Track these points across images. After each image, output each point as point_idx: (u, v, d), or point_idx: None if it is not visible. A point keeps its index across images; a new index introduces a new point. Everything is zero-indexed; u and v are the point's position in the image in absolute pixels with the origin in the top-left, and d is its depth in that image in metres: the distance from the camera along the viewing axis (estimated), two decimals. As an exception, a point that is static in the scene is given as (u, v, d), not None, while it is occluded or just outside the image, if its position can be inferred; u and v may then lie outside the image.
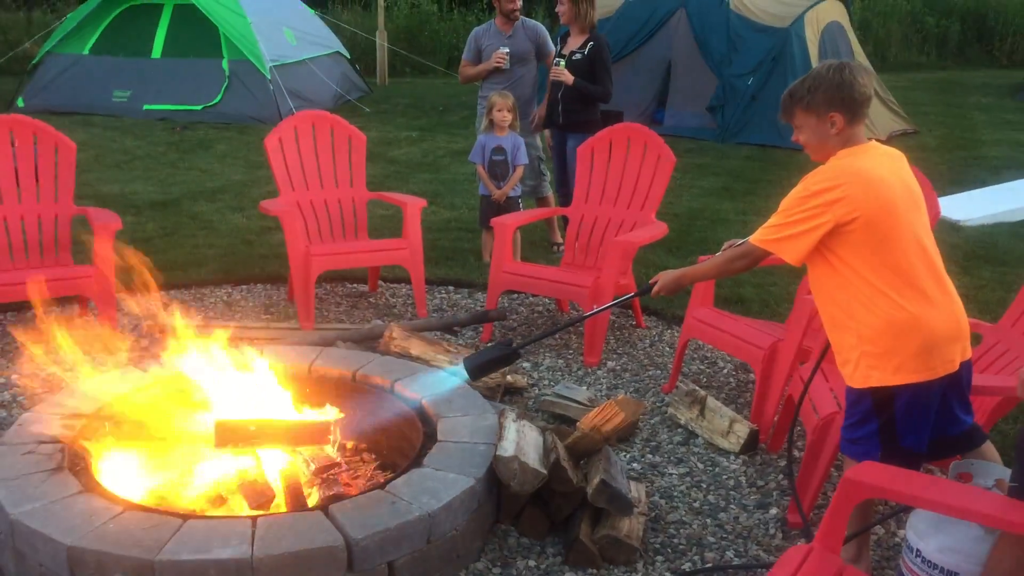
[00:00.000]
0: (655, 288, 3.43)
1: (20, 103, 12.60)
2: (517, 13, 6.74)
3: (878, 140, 10.45)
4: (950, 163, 10.68)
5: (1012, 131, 12.50)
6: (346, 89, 14.37)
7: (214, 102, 12.71)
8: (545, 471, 3.32)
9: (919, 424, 2.93)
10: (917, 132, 12.43)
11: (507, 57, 6.63)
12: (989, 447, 3.08)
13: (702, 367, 5.05)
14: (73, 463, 3.33)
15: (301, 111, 6.13)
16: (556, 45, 6.63)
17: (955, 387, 2.96)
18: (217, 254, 6.79)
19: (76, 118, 12.17)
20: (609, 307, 4.18)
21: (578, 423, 3.63)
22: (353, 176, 5.93)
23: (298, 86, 12.96)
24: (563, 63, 6.34)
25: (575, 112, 6.40)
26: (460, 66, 7.09)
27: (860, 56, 12.58)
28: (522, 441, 3.44)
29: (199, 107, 12.70)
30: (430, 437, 3.62)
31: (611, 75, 6.45)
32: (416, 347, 4.52)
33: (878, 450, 2.96)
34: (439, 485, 3.23)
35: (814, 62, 11.23)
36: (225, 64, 12.69)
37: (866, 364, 2.91)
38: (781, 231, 2.94)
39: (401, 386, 3.98)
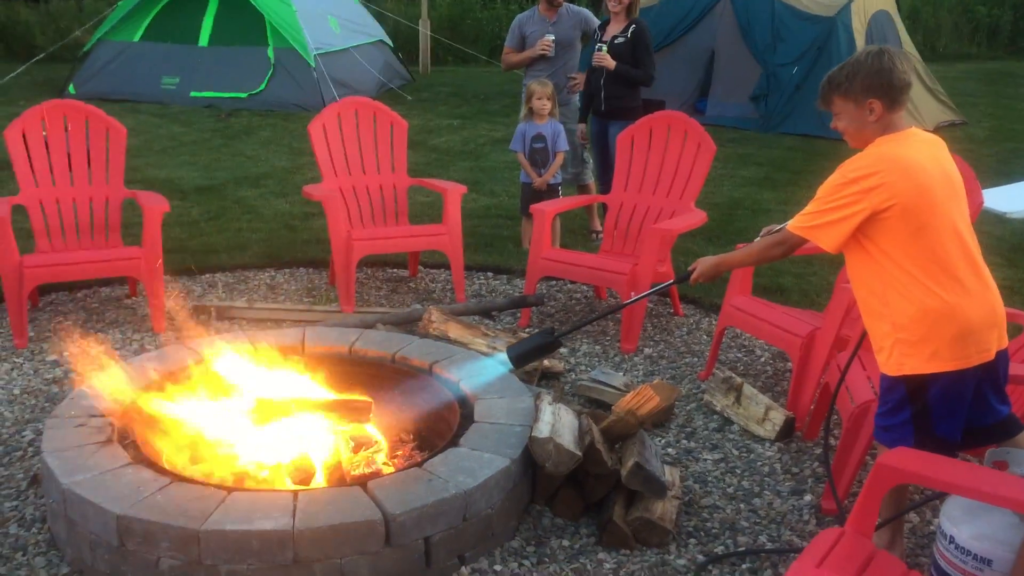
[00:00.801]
0: (694, 275, 3.46)
1: (72, 90, 12.85)
2: (560, 1, 6.76)
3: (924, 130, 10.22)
4: (998, 155, 10.52)
5: (1059, 122, 12.30)
6: (389, 77, 14.47)
7: (259, 90, 12.86)
8: (580, 453, 3.36)
9: (953, 412, 2.93)
10: (966, 123, 12.26)
11: (552, 45, 6.64)
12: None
13: (739, 355, 5.05)
14: (122, 436, 3.44)
15: (345, 98, 6.20)
16: (596, 33, 6.62)
17: (990, 376, 2.95)
18: (260, 238, 6.91)
19: (125, 105, 12.38)
20: (649, 294, 4.19)
21: (613, 407, 3.67)
22: (395, 162, 6.01)
23: (342, 74, 13.07)
24: (604, 48, 6.34)
25: (617, 99, 6.40)
26: (503, 53, 7.11)
27: (908, 46, 12.42)
28: (558, 423, 3.49)
29: (244, 95, 12.86)
30: (467, 418, 3.68)
31: (653, 58, 6.43)
32: (454, 330, 4.58)
33: (912, 438, 2.96)
34: (475, 464, 3.28)
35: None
36: (271, 52, 12.84)
37: (900, 352, 2.92)
38: (818, 218, 2.95)
39: (439, 368, 4.04)
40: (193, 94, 12.98)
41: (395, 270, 6.27)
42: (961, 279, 2.86)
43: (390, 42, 15.34)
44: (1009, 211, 7.86)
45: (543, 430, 3.40)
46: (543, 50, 6.65)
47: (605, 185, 6.80)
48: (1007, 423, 3.04)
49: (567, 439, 3.41)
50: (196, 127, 11.65)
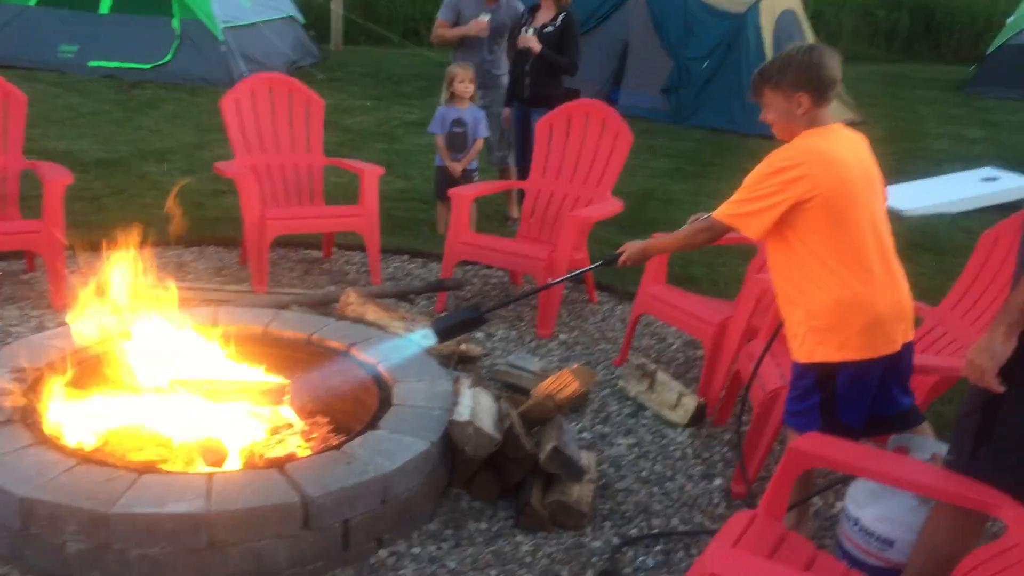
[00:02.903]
0: (622, 258, 3.51)
1: (-39, 54, 12.24)
2: None
3: None
4: (895, 154, 10.90)
5: (956, 125, 12.80)
6: (300, 55, 14.18)
7: (163, 61, 12.45)
8: (499, 436, 3.38)
9: (858, 401, 3.04)
10: (864, 122, 12.65)
11: (487, 26, 6.57)
12: (926, 427, 3.21)
13: (652, 342, 5.14)
14: (24, 416, 3.31)
15: (259, 73, 6.07)
16: (524, 16, 6.60)
17: (895, 368, 3.07)
18: (167, 215, 6.69)
19: (20, 72, 11.81)
20: (578, 274, 4.20)
21: (532, 391, 3.69)
22: (310, 141, 5.91)
23: (251, 49, 12.75)
24: (532, 31, 6.33)
25: (541, 86, 6.41)
26: (435, 26, 6.96)
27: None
28: (477, 407, 3.50)
29: (148, 66, 12.43)
30: (385, 401, 3.65)
31: (580, 49, 6.46)
32: (372, 313, 4.54)
33: (818, 423, 3.06)
34: (394, 447, 3.27)
35: (768, 49, 11.39)
36: (176, 23, 12.42)
37: (812, 340, 3.01)
38: (743, 206, 3.02)
39: (357, 350, 4.00)
40: (92, 63, 12.48)
41: (308, 251, 6.17)
42: (874, 272, 2.97)
43: (301, 18, 15.03)
44: (905, 208, 8.17)
45: (463, 413, 3.41)
46: (477, 31, 6.58)
47: (524, 171, 6.80)
48: (908, 414, 3.18)
49: (486, 423, 3.42)
50: (95, 98, 11.22)
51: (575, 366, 3.61)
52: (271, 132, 5.79)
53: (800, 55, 3.05)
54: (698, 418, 4.18)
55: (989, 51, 15.47)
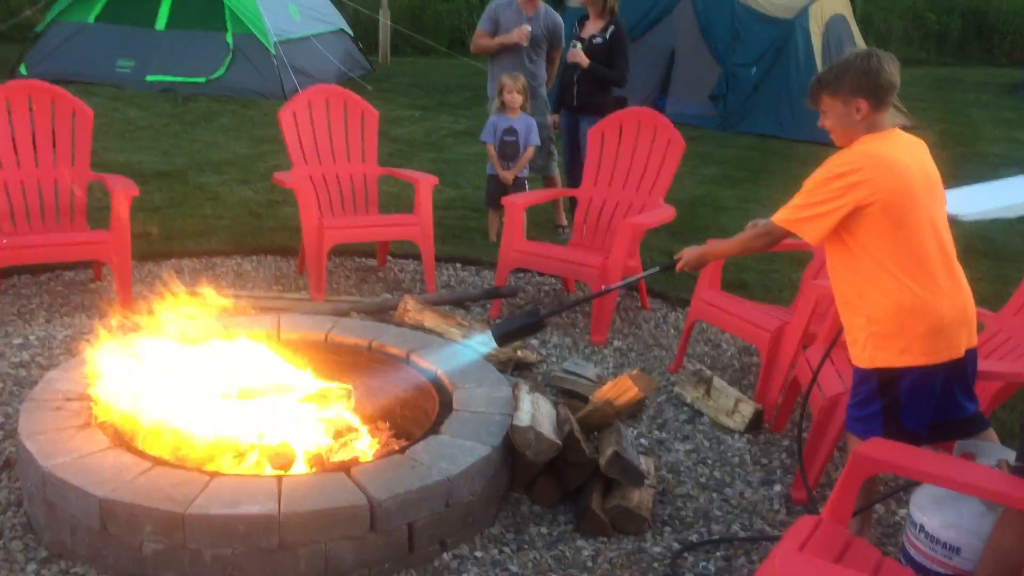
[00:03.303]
0: (679, 264, 3.54)
1: (23, 71, 12.55)
2: None
3: None
4: (948, 159, 10.74)
5: (1010, 129, 12.62)
6: (349, 66, 14.36)
7: (217, 75, 12.70)
8: (559, 441, 3.42)
9: (921, 406, 3.03)
10: (917, 127, 12.52)
11: (529, 34, 6.62)
12: (991, 433, 3.19)
13: (706, 349, 5.15)
14: (100, 420, 3.41)
15: (315, 85, 6.18)
16: (574, 27, 6.65)
17: (959, 374, 3.06)
18: (226, 225, 6.85)
19: (79, 87, 12.08)
20: (635, 280, 4.20)
21: (591, 396, 3.73)
22: (365, 151, 6.00)
23: (302, 62, 12.96)
24: (580, 46, 6.39)
25: (589, 95, 6.46)
26: (475, 35, 7.04)
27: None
28: (537, 412, 3.54)
29: (202, 79, 12.68)
30: (445, 406, 3.71)
31: (628, 61, 6.50)
32: (430, 319, 4.61)
33: (881, 429, 3.06)
34: (457, 452, 3.32)
35: (817, 54, 11.33)
36: (229, 37, 12.67)
37: (873, 345, 3.01)
38: (802, 211, 3.04)
39: (416, 356, 4.06)
40: (149, 78, 12.76)
41: (363, 259, 6.27)
42: (936, 276, 2.97)
43: (350, 31, 15.24)
44: (960, 213, 8.07)
45: (523, 419, 3.45)
46: (519, 39, 6.64)
47: (572, 179, 6.86)
48: (973, 420, 3.16)
49: (546, 428, 3.46)
50: (153, 111, 11.48)
51: (634, 372, 3.64)
52: (327, 143, 5.89)
53: (858, 61, 3.06)
54: (755, 424, 4.19)
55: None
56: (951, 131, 12.69)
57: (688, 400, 4.41)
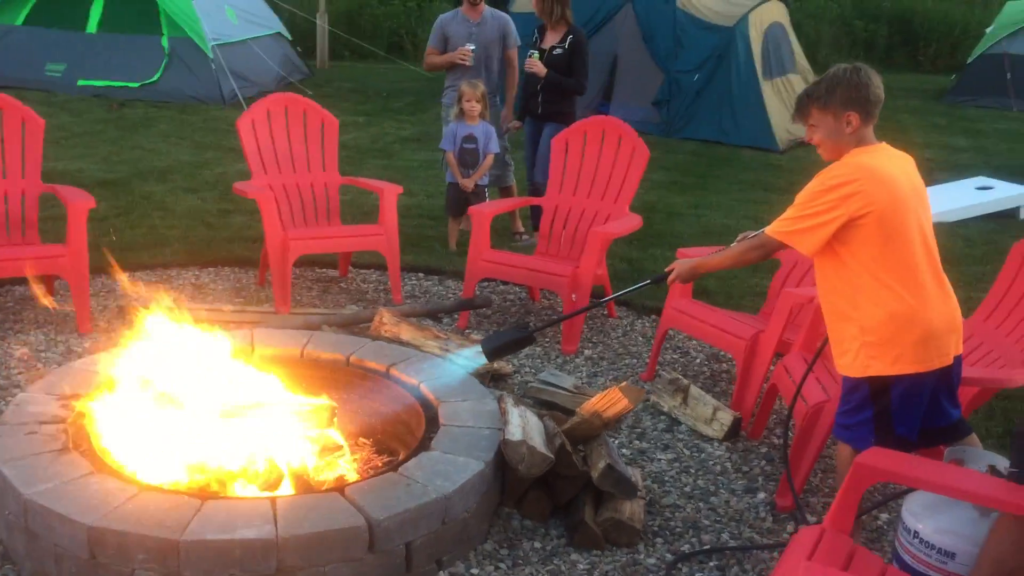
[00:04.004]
0: (671, 276, 3.56)
1: (-51, 75, 12.13)
2: None
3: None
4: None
5: (941, 135, 12.98)
6: (288, 71, 14.16)
7: (153, 80, 12.42)
8: (552, 455, 3.40)
9: (912, 413, 3.10)
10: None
11: (471, 55, 6.62)
12: (974, 439, 3.27)
13: (675, 356, 5.19)
14: (76, 443, 3.30)
15: (274, 94, 6.07)
16: (534, 36, 6.65)
17: (945, 380, 3.13)
18: (178, 235, 6.69)
19: (7, 92, 11.72)
20: (628, 292, 4.18)
21: (579, 408, 3.72)
22: (325, 160, 5.92)
23: (240, 66, 12.75)
24: (536, 55, 6.40)
25: (554, 103, 6.47)
26: (426, 53, 7.03)
27: (800, 57, 12.93)
28: (526, 426, 3.52)
29: (137, 84, 12.39)
30: (431, 422, 3.67)
31: (587, 70, 6.53)
32: (406, 332, 4.55)
33: (872, 436, 3.12)
34: (451, 468, 3.28)
35: (757, 61, 11.53)
36: (165, 41, 12.40)
37: (866, 354, 3.07)
38: (797, 223, 3.08)
39: (397, 371, 4.01)
40: (81, 82, 12.43)
41: (324, 270, 6.17)
42: (926, 286, 3.03)
43: (288, 35, 15.03)
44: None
45: (515, 433, 3.43)
46: (460, 59, 6.62)
47: (533, 186, 6.87)
48: (958, 426, 3.24)
49: (537, 441, 3.44)
50: (87, 117, 11.18)
51: (623, 384, 3.63)
52: (287, 152, 5.79)
53: (848, 74, 3.12)
54: (734, 432, 4.23)
55: (969, 60, 15.71)
56: (885, 137, 12.85)
57: (665, 409, 4.44)
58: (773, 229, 3.17)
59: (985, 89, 15.13)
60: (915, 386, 3.05)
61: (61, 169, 8.51)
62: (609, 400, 3.60)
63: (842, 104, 3.07)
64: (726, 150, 11.13)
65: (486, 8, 6.83)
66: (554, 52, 6.42)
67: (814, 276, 4.57)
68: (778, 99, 11.80)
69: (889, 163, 3.10)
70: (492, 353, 3.84)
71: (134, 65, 12.42)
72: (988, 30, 15.63)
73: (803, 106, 3.15)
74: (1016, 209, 8.78)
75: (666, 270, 3.61)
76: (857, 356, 3.08)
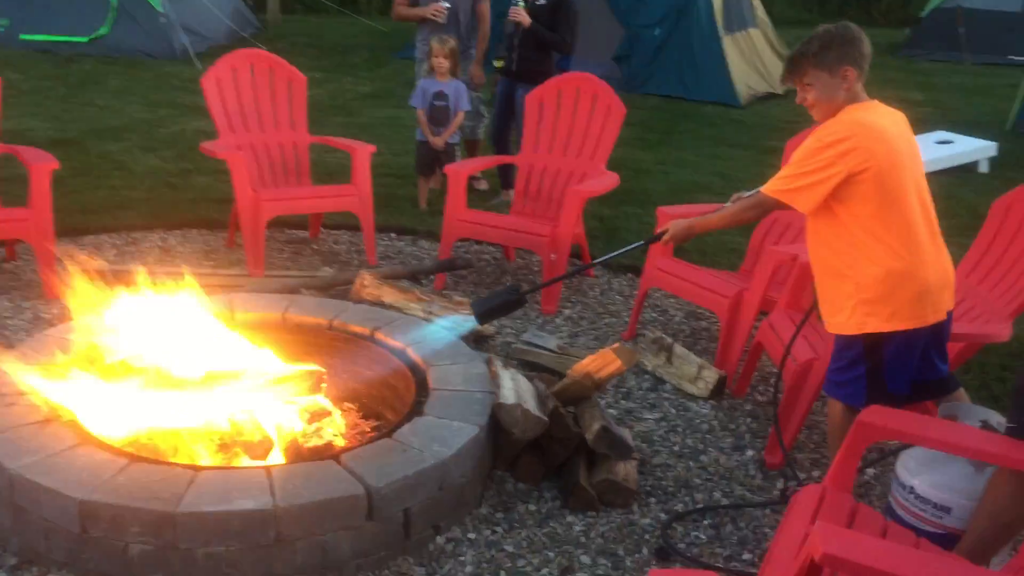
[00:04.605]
0: (665, 237, 3.53)
1: None
2: None
3: (775, 94, 10.53)
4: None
5: (896, 89, 12.92)
6: (240, 25, 13.82)
7: (100, 33, 12.03)
8: (546, 418, 3.38)
9: (904, 369, 3.12)
10: (810, 88, 12.86)
11: (445, 12, 6.47)
12: (962, 393, 3.32)
13: (655, 315, 5.18)
14: (60, 414, 3.20)
15: (238, 50, 5.88)
16: None
17: (936, 336, 3.16)
18: (141, 197, 6.51)
19: (-54, 47, 11.34)
20: (622, 253, 4.10)
21: (570, 370, 3.70)
22: (294, 119, 5.77)
23: (191, 20, 12.42)
24: (522, 5, 6.25)
25: (530, 60, 6.36)
26: (394, 2, 6.87)
27: (760, 11, 12.92)
28: (519, 389, 3.49)
29: (84, 39, 12.00)
30: (420, 386, 3.62)
31: (572, 27, 6.39)
32: (388, 295, 4.49)
33: (864, 392, 3.14)
34: (446, 433, 3.25)
35: (718, 16, 11.48)
36: (112, -7, 12.01)
37: (862, 311, 3.07)
38: (794, 181, 3.06)
39: (382, 334, 3.95)
40: (24, 36, 12.01)
41: (294, 231, 6.05)
42: (921, 242, 3.04)
43: (239, -13, 14.65)
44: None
45: (508, 396, 3.40)
46: (433, 15, 6.48)
47: (499, 144, 6.78)
48: (947, 381, 3.28)
49: (531, 404, 3.42)
50: (33, 73, 10.80)
51: (616, 345, 3.61)
52: (254, 110, 5.64)
53: (839, 31, 3.11)
54: (719, 390, 4.24)
55: (923, 14, 15.81)
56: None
57: (649, 368, 4.44)
58: (770, 188, 3.15)
59: (938, 43, 15.27)
60: (908, 342, 3.07)
61: (11, 128, 8.12)
62: (602, 361, 3.58)
63: (838, 60, 3.05)
64: (688, 105, 11.10)
65: None
66: (537, 3, 6.28)
67: (793, 233, 4.68)
68: (739, 54, 11.79)
69: (884, 119, 3.08)
70: (483, 316, 3.80)
71: (80, 19, 12.03)
72: (942, -16, 15.74)
73: (797, 65, 3.11)
74: (975, 163, 8.90)
75: (658, 231, 3.58)
76: (852, 314, 3.09)
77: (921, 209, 3.06)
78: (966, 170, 8.75)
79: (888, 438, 3.04)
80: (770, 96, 11.76)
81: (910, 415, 2.84)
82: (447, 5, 6.49)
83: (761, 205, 3.24)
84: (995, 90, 12.90)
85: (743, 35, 12.06)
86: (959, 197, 7.58)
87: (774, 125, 10.42)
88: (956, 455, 2.83)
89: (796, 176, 3.06)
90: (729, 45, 11.54)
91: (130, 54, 11.78)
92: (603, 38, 12.01)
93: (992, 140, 9.04)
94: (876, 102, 3.15)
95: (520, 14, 6.21)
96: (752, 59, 12.09)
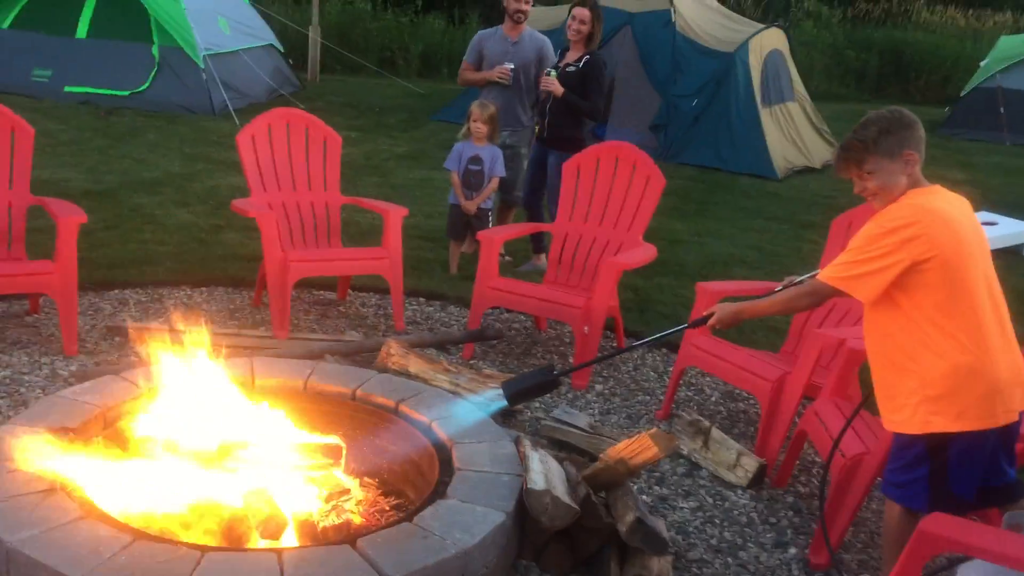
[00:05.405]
0: (711, 320, 3.35)
1: (-67, 79, 11.81)
2: (523, 15, 6.54)
3: (812, 168, 10.37)
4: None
5: (936, 167, 12.81)
6: (279, 83, 13.93)
7: (142, 88, 12.14)
8: (577, 507, 3.18)
9: (971, 472, 2.91)
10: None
11: (510, 74, 6.44)
12: (1029, 500, 3.08)
13: (690, 393, 4.98)
14: (66, 484, 3.04)
15: (276, 108, 5.83)
16: (557, 57, 6.48)
17: (1007, 437, 2.94)
18: (169, 252, 6.43)
19: (-8, 96, 11.47)
20: (666, 335, 3.94)
21: (603, 453, 3.50)
22: (327, 179, 5.69)
23: (231, 77, 12.51)
24: (554, 74, 6.20)
25: (561, 127, 6.27)
26: (461, 68, 6.89)
27: (798, 85, 12.84)
28: (548, 473, 3.30)
29: (126, 92, 12.10)
30: (445, 464, 3.43)
31: (603, 93, 6.34)
32: (415, 364, 4.32)
33: (926, 495, 2.94)
34: (470, 519, 3.05)
35: (756, 88, 11.41)
36: (155, 50, 12.13)
37: (926, 409, 2.87)
38: (854, 268, 2.88)
39: (407, 407, 3.78)
40: (68, 88, 12.12)
41: (322, 292, 5.93)
42: (990, 335, 2.85)
43: (280, 47, 14.81)
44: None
45: (537, 481, 3.20)
46: (499, 78, 6.45)
47: (531, 209, 6.67)
48: (1014, 486, 3.04)
49: (560, 490, 3.22)
50: (73, 124, 10.87)
51: (653, 430, 3.40)
52: (288, 169, 5.56)
53: (895, 116, 3.01)
54: (758, 479, 4.02)
55: (963, 93, 15.70)
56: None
57: (684, 452, 4.22)
58: (827, 275, 2.97)
59: (978, 122, 15.12)
60: (976, 443, 2.86)
61: (47, 178, 8.21)
62: (638, 447, 3.37)
63: (899, 144, 2.91)
64: (724, 176, 10.98)
65: (526, 28, 6.65)
66: (567, 70, 6.22)
67: (839, 314, 4.48)
68: (776, 127, 11.69)
69: (949, 205, 2.91)
70: (514, 397, 3.62)
71: (123, 73, 12.14)
72: (982, 63, 15.65)
73: (856, 152, 2.94)
74: (1020, 246, 8.67)
75: (705, 313, 3.40)
76: (916, 411, 2.88)
77: (990, 300, 2.87)
78: (1009, 253, 8.52)
79: (953, 551, 2.80)
80: (807, 170, 11.63)
81: (979, 527, 2.63)
82: (511, 66, 6.44)
83: (817, 293, 3.05)
84: (1035, 171, 12.73)
85: (781, 108, 11.97)
86: (1005, 281, 7.35)
87: (811, 200, 10.27)
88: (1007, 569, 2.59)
89: (856, 263, 2.88)
90: (767, 118, 11.45)
91: (170, 108, 11.85)
92: (640, 107, 11.99)
93: (1033, 222, 8.83)
94: (939, 187, 2.99)
95: (552, 84, 6.15)
96: (790, 133, 11.98)
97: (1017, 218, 9.09)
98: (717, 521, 3.76)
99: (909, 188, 2.92)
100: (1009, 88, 14.77)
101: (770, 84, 11.85)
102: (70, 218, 4.63)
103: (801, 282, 3.18)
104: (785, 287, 3.27)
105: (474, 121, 6.22)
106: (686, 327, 3.65)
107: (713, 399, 4.95)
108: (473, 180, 6.31)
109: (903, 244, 2.79)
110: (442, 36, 18.72)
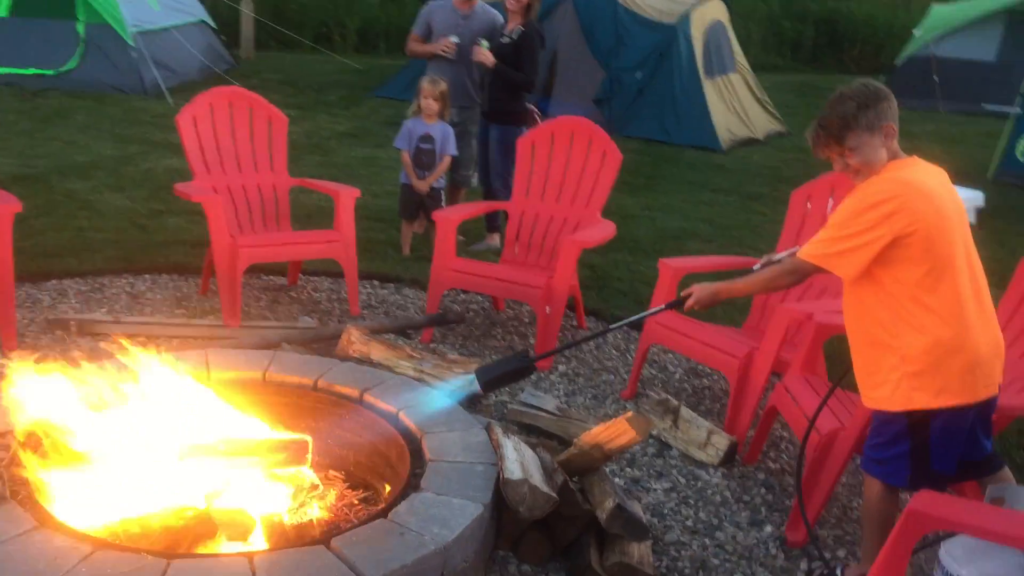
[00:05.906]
0: (689, 301, 3.27)
1: None
2: None
3: (755, 139, 10.34)
4: (827, 166, 11.02)
5: (875, 136, 13.09)
6: (212, 60, 13.52)
7: (68, 67, 11.69)
8: (555, 495, 3.09)
9: (952, 447, 2.89)
10: (790, 134, 12.80)
11: (454, 47, 6.27)
12: (1007, 473, 3.07)
13: (653, 371, 4.93)
14: (14, 491, 2.86)
15: (217, 87, 5.60)
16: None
17: (984, 410, 2.93)
18: (108, 239, 6.17)
19: (-92, 78, 10.95)
20: (641, 318, 3.87)
21: (577, 439, 3.42)
22: (274, 160, 5.49)
23: (162, 55, 12.10)
24: (486, 45, 6.06)
25: (500, 100, 6.15)
26: (408, 39, 6.69)
27: (740, 56, 12.85)
28: (524, 461, 3.21)
29: (52, 72, 11.65)
30: (415, 455, 3.32)
31: (537, 65, 6.22)
32: (377, 352, 4.19)
33: (906, 471, 2.92)
34: (447, 512, 2.94)
35: (699, 59, 11.39)
36: (80, 27, 11.67)
37: (908, 385, 2.83)
38: (834, 245, 2.82)
39: (372, 396, 3.65)
40: (-10, 69, 11.64)
41: (271, 277, 5.74)
42: (970, 309, 2.82)
43: (212, 23, 14.37)
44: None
45: (514, 470, 3.10)
46: (443, 51, 6.28)
47: (485, 188, 6.55)
48: (991, 459, 3.04)
49: (537, 479, 3.13)
50: (-3, 107, 10.45)
51: (629, 414, 3.32)
52: (232, 151, 5.35)
53: (869, 90, 2.93)
54: (729, 457, 3.98)
55: (898, 63, 15.89)
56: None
57: (654, 432, 4.17)
58: (808, 252, 2.91)
59: (914, 91, 15.31)
60: (957, 418, 2.84)
61: (-29, 163, 7.88)
62: (614, 431, 3.29)
63: (878, 117, 2.84)
64: (670, 149, 10.95)
65: (479, 3, 6.47)
66: (501, 41, 6.10)
67: (802, 288, 4.45)
68: (719, 98, 11.69)
69: (928, 177, 2.87)
70: (488, 384, 3.52)
71: (48, 52, 11.68)
72: (916, 33, 15.85)
73: (836, 130, 2.85)
74: (969, 212, 8.78)
75: (683, 294, 3.32)
76: (897, 387, 2.84)
77: (969, 272, 2.84)
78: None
79: (942, 528, 2.78)
80: (751, 141, 11.67)
81: (968, 503, 2.61)
82: (456, 40, 6.28)
83: (797, 271, 2.99)
84: (971, 139, 12.94)
85: (723, 80, 11.97)
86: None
87: (756, 171, 10.30)
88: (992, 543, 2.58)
89: (837, 240, 2.82)
90: (710, 89, 11.44)
91: (99, 88, 11.45)
92: (583, 80, 11.89)
93: (976, 189, 8.93)
94: (916, 158, 2.94)
95: (483, 55, 6.02)
96: (733, 104, 12.00)
97: (960, 186, 9.21)
98: (692, 502, 3.71)
99: (889, 160, 2.86)
100: (942, 57, 15.00)
101: (712, 56, 11.83)
102: (4, 207, 4.38)
103: (780, 261, 3.12)
104: (764, 266, 3.21)
105: (425, 98, 6.06)
106: (664, 308, 3.57)
107: (677, 376, 4.91)
108: (424, 159, 6.16)
109: (885, 219, 2.74)
110: (379, 10, 18.38)
